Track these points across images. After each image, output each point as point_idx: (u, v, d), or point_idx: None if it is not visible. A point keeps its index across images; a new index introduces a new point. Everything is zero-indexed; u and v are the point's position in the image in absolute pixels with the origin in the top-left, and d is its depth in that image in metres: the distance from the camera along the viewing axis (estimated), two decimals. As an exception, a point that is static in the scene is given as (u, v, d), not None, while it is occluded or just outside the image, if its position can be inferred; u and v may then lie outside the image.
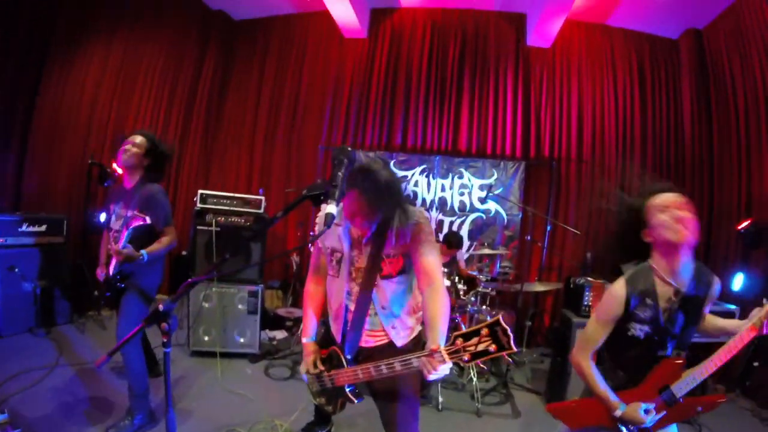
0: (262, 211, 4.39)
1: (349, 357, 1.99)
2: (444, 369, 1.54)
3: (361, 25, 5.91)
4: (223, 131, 6.42)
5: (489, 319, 1.48)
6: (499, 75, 6.02)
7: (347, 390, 1.97)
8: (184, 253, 5.09)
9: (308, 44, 6.33)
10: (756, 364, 4.44)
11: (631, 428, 1.86)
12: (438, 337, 1.66)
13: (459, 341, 1.49)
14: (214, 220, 4.22)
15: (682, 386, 1.82)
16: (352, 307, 2.01)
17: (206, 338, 4.20)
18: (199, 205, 4.28)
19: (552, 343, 4.75)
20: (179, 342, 4.35)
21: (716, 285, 1.88)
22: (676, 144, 5.95)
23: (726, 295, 4.08)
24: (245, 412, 3.29)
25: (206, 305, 4.17)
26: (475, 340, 1.46)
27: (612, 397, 1.83)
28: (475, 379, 3.89)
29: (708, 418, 3.88)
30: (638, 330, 1.81)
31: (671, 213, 1.73)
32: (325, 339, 2.18)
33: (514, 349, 1.44)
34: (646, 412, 1.80)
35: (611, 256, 2.00)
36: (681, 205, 1.75)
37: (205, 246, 4.23)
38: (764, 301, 1.79)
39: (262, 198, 4.45)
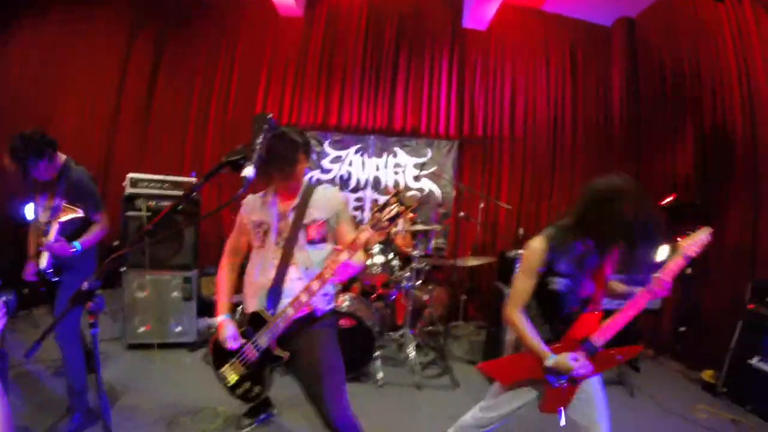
0: (194, 193, 4.31)
1: (271, 312, 2.09)
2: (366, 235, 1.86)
3: (298, 3, 5.84)
4: (154, 115, 6.18)
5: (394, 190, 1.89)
6: (435, 56, 6.16)
7: (274, 348, 2.07)
8: (116, 243, 4.92)
9: (242, 23, 6.18)
10: (683, 329, 4.86)
11: (561, 379, 2.01)
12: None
13: (376, 215, 1.83)
14: (144, 205, 4.10)
15: (600, 336, 1.98)
16: (274, 273, 2.12)
17: (142, 329, 4.11)
18: (128, 189, 4.15)
19: (487, 315, 5.00)
20: (115, 336, 4.26)
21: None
22: (606, 126, 6.35)
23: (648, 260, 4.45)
24: (187, 401, 3.30)
25: (141, 295, 4.09)
26: (387, 209, 1.82)
27: (543, 347, 1.98)
28: (413, 354, 4.07)
29: (641, 380, 4.32)
30: (559, 283, 2.00)
31: None
32: (240, 322, 2.23)
33: (416, 204, 1.81)
34: (575, 359, 1.95)
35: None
36: None
37: (137, 233, 4.11)
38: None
39: (194, 180, 4.39)
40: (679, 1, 5.37)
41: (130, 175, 4.22)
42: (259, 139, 1.47)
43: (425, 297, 4.68)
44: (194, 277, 4.26)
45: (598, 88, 6.41)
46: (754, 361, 3.76)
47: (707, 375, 4.30)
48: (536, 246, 2.00)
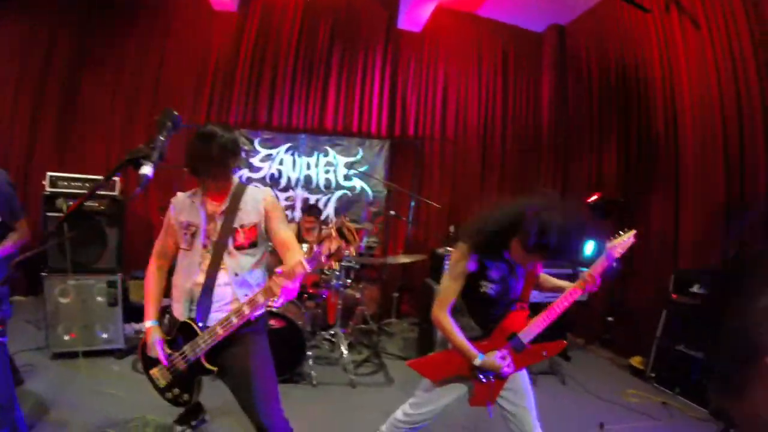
0: (117, 193, 4.18)
1: (201, 324, 2.05)
2: (289, 288, 1.85)
3: (233, -2, 5.75)
4: (79, 112, 5.83)
5: (334, 224, 1.80)
6: (368, 56, 6.31)
7: (204, 361, 2.05)
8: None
9: (175, 16, 5.99)
10: (611, 319, 5.28)
11: (490, 375, 2.10)
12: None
13: (314, 247, 1.80)
14: (65, 205, 3.93)
15: (527, 333, 2.09)
16: (202, 278, 2.09)
17: (67, 337, 3.93)
18: (48, 189, 3.98)
19: (419, 312, 5.21)
20: (39, 345, 4.06)
21: None
22: (535, 127, 6.81)
23: (578, 260, 4.69)
24: (116, 411, 3.22)
25: (64, 301, 3.89)
26: (327, 243, 1.78)
27: (470, 347, 2.05)
28: (346, 352, 4.16)
29: (572, 369, 4.62)
30: (489, 288, 2.09)
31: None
32: (167, 326, 2.21)
33: (360, 241, 1.76)
34: (502, 358, 2.05)
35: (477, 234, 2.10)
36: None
37: (47, 236, 3.93)
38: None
39: (117, 179, 4.20)
40: (608, 11, 5.80)
41: (50, 173, 4.05)
42: (162, 137, 1.43)
43: (357, 295, 4.79)
44: (119, 281, 4.13)
45: (528, 91, 6.85)
46: (680, 346, 4.10)
47: (636, 361, 4.63)
48: (464, 250, 2.09)
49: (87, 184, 4.11)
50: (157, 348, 2.10)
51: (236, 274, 2.10)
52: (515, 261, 2.09)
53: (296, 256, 1.99)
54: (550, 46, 6.81)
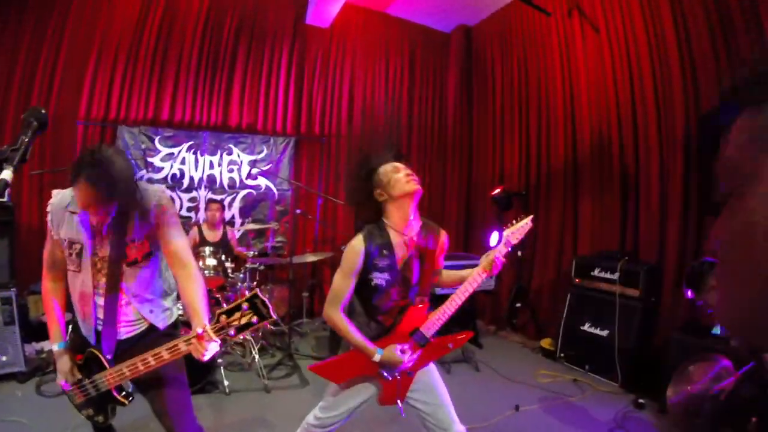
0: (5, 199, 4.03)
1: (109, 357, 1.96)
2: (214, 347, 1.72)
3: (135, -15, 5.49)
4: None
5: (248, 294, 1.70)
6: (275, 51, 6.37)
7: (115, 393, 1.98)
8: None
9: (75, 2, 5.49)
10: (519, 305, 5.81)
11: (394, 371, 2.11)
12: (202, 319, 1.81)
13: (223, 318, 1.68)
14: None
15: (429, 327, 2.10)
16: (101, 302, 1.98)
17: None
18: None
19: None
20: None
21: (443, 237, 2.28)
22: (440, 125, 7.33)
23: (483, 250, 5.12)
24: None
25: None
26: (237, 314, 1.67)
27: (368, 344, 2.07)
28: (257, 357, 4.24)
29: (485, 355, 4.97)
30: (379, 279, 2.09)
31: (403, 171, 2.13)
32: (76, 342, 2.08)
33: (274, 317, 1.69)
34: (402, 352, 2.06)
35: (355, 213, 2.30)
36: (408, 167, 2.17)
37: None
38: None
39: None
40: (513, 14, 6.34)
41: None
42: (26, 137, 1.36)
43: (265, 297, 4.89)
44: (14, 296, 3.99)
45: (434, 89, 7.33)
46: (585, 326, 4.54)
47: (546, 343, 5.05)
48: (356, 246, 2.10)
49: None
50: (66, 379, 2.02)
51: (135, 295, 2.01)
52: (398, 229, 2.14)
53: (191, 282, 1.95)
54: (457, 46, 7.31)
